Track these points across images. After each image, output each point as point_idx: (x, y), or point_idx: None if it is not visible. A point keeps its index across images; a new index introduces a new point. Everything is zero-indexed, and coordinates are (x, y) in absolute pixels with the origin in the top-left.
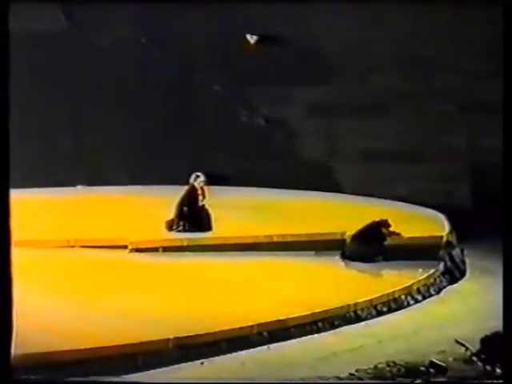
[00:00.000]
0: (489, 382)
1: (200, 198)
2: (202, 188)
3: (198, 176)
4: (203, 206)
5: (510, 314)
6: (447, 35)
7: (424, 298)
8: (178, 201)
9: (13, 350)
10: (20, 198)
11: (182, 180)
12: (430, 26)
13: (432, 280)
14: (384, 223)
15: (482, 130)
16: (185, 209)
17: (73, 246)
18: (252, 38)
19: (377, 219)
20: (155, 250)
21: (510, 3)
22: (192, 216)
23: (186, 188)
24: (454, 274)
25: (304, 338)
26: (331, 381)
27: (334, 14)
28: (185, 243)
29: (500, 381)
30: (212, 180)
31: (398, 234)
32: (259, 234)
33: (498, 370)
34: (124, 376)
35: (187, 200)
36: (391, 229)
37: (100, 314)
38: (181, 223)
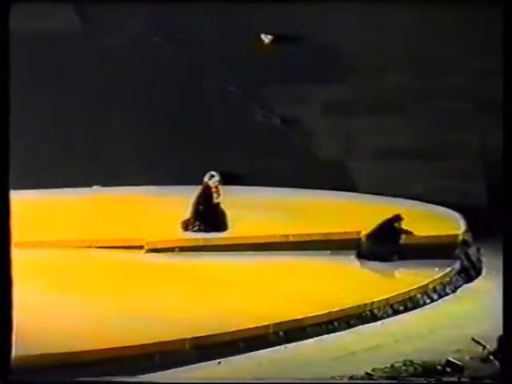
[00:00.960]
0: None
1: (215, 195)
2: (216, 187)
3: (212, 175)
4: (219, 205)
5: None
6: (461, 34)
7: (440, 296)
8: (194, 200)
9: (29, 351)
10: (36, 199)
11: (197, 180)
12: (444, 25)
13: (448, 279)
14: (396, 218)
15: (496, 128)
16: (201, 207)
17: (89, 247)
18: (267, 38)
19: (389, 216)
20: (171, 250)
21: (511, 3)
22: (208, 216)
23: (200, 187)
24: (470, 272)
25: (320, 337)
26: (346, 380)
27: (349, 13)
28: (201, 243)
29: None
30: (227, 179)
31: (411, 233)
32: (275, 233)
33: None
34: (141, 376)
35: (202, 199)
36: (404, 227)
37: (117, 314)
38: (197, 223)
